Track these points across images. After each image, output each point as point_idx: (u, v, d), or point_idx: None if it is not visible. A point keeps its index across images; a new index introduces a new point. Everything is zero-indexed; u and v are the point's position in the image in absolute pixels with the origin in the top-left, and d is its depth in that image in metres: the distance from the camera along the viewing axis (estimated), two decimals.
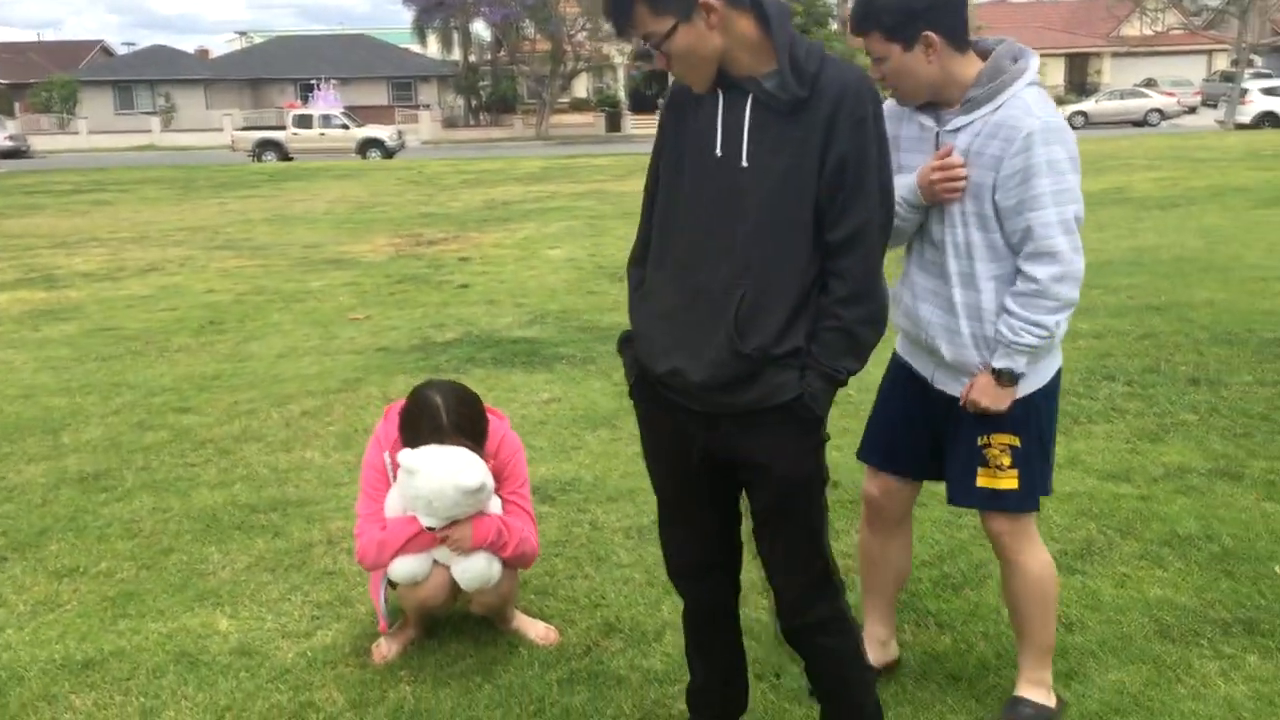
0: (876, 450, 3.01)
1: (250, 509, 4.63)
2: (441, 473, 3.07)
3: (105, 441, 5.67)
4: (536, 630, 3.44)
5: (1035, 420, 2.76)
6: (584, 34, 49.83)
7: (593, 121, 52.90)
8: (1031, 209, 2.56)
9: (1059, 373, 2.82)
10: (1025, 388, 2.73)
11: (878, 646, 3.12)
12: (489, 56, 57.71)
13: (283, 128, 39.34)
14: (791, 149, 2.23)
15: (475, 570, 3.20)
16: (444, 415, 3.16)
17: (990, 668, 3.16)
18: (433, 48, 59.68)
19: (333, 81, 46.53)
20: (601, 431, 5.48)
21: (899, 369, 2.94)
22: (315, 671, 3.30)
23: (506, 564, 3.30)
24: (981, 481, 2.77)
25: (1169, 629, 3.32)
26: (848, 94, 2.22)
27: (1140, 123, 42.30)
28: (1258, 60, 46.90)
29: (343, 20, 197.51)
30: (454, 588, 3.29)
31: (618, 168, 25.85)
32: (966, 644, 3.29)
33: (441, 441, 3.14)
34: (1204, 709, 2.91)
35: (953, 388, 2.77)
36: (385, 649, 3.36)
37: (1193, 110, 46.65)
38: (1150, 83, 48.75)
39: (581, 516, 4.39)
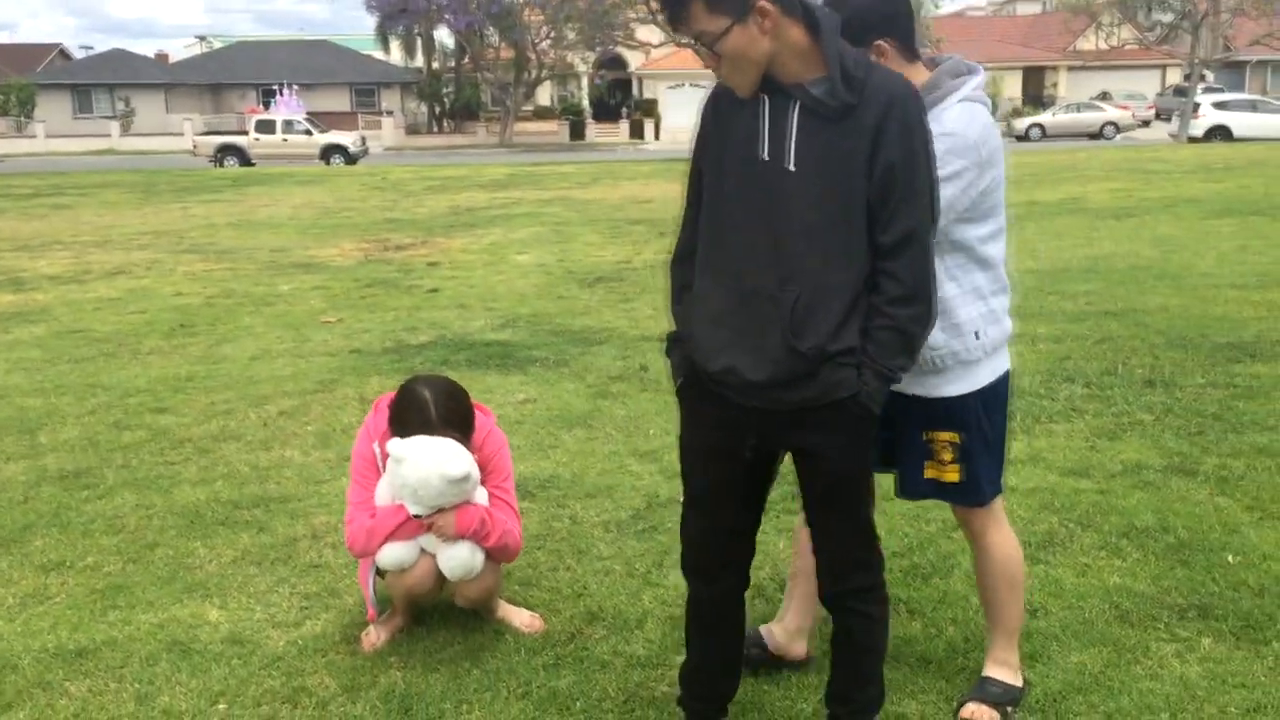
0: None
1: (233, 505, 4.69)
2: (428, 462, 3.17)
3: (83, 441, 5.71)
4: (521, 618, 3.55)
5: (975, 420, 2.84)
6: (548, 42, 49.95)
7: (556, 129, 53.00)
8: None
9: (1005, 378, 2.90)
10: (958, 389, 2.82)
11: (782, 634, 3.23)
12: (452, 63, 57.76)
13: (244, 133, 39.17)
14: (839, 154, 2.33)
15: (459, 559, 3.30)
16: (432, 409, 3.27)
17: (959, 651, 3.30)
18: (395, 54, 59.64)
19: (295, 87, 46.33)
20: (577, 431, 5.59)
21: None
22: (306, 658, 3.39)
23: (490, 556, 3.40)
24: (928, 473, 2.89)
25: (1127, 614, 3.48)
26: (895, 102, 2.32)
27: (1096, 135, 42.98)
28: (1210, 75, 47.79)
29: (303, 26, 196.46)
30: (440, 576, 3.39)
31: (582, 175, 25.97)
32: (936, 629, 3.44)
33: (430, 434, 3.25)
34: (1160, 687, 3.07)
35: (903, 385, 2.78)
36: (374, 637, 3.45)
37: (1147, 124, 47.44)
38: (1105, 96, 49.55)
39: (561, 511, 4.50)
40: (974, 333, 2.78)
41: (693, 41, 2.40)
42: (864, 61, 2.37)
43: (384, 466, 3.40)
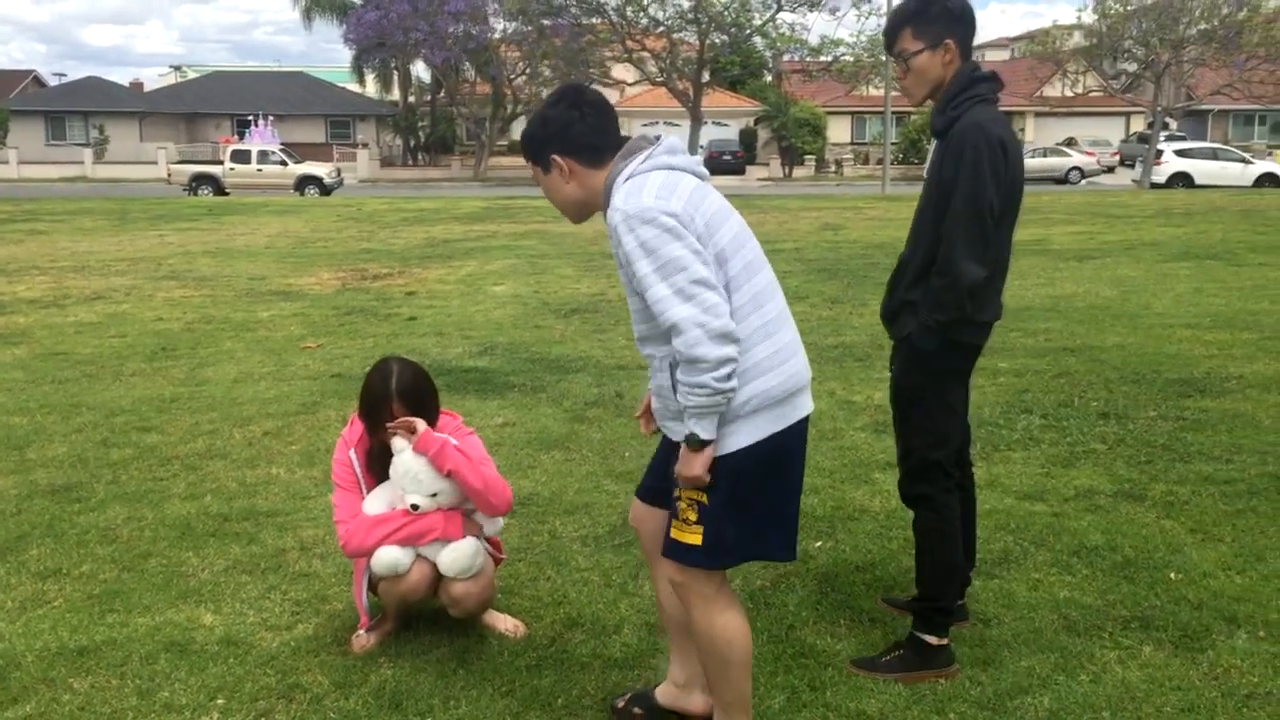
0: (644, 478, 3.20)
1: (222, 518, 4.86)
2: None
3: (71, 457, 5.85)
4: (505, 624, 3.73)
5: (724, 482, 2.72)
6: (523, 78, 50.42)
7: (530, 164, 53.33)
8: (644, 290, 2.64)
9: (766, 446, 2.73)
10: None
11: (672, 690, 3.18)
12: (428, 97, 58.16)
13: (219, 162, 39.29)
14: (935, 168, 3.30)
15: (463, 553, 3.49)
16: (394, 380, 3.48)
17: None
18: (371, 87, 59.98)
19: (270, 118, 46.50)
20: (555, 453, 5.79)
21: None
22: (299, 658, 3.56)
23: (481, 503, 3.51)
24: (673, 533, 2.81)
25: (1075, 624, 3.71)
26: (955, 135, 3.21)
27: (1061, 180, 43.78)
28: (1172, 123, 48.83)
29: (278, 58, 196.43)
30: (434, 582, 3.57)
31: (556, 210, 26.22)
32: (896, 635, 3.64)
33: (388, 404, 3.46)
34: (1102, 690, 3.30)
35: (676, 434, 2.83)
36: (364, 639, 3.62)
37: (1111, 169, 48.38)
38: (1071, 142, 50.48)
39: (541, 527, 4.69)
40: None
41: (892, 55, 3.38)
42: (966, 104, 3.24)
43: (361, 473, 3.60)
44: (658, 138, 2.83)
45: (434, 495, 3.47)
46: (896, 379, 3.46)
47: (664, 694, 3.20)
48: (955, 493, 3.45)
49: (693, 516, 2.76)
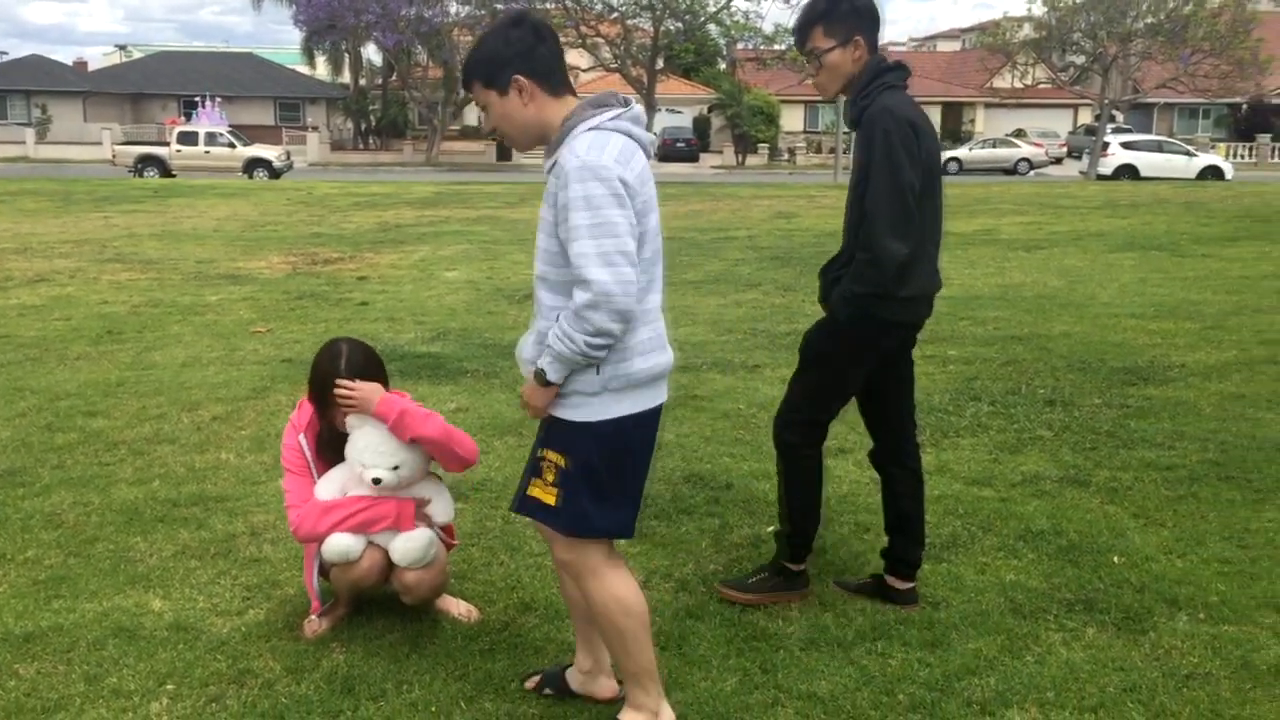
0: None
1: (171, 504, 4.80)
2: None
3: (15, 442, 5.75)
4: (459, 608, 3.73)
5: (583, 449, 2.81)
6: None
7: (483, 149, 53.05)
8: (571, 240, 2.68)
9: (629, 423, 2.83)
10: (571, 415, 2.81)
11: (579, 675, 3.20)
12: (380, 80, 57.59)
13: (165, 143, 38.64)
14: (857, 155, 3.47)
15: (416, 544, 3.47)
16: (344, 360, 3.47)
17: (866, 636, 3.56)
18: (322, 69, 59.28)
19: (217, 99, 45.78)
20: (508, 438, 5.78)
21: None
22: (251, 644, 3.54)
23: (444, 457, 3.50)
24: (531, 490, 2.90)
25: (1021, 607, 3.78)
26: (864, 121, 3.39)
27: (1010, 171, 44.25)
28: (1119, 116, 49.47)
29: (226, 39, 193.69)
30: (386, 568, 3.55)
31: (510, 195, 26.13)
32: (846, 618, 3.70)
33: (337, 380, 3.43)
34: (1047, 671, 3.36)
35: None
36: (316, 625, 3.60)
37: (1059, 161, 48.97)
38: (1020, 133, 51.03)
39: (494, 512, 4.69)
40: (594, 367, 2.77)
41: (804, 54, 3.57)
42: (875, 92, 3.40)
43: (311, 457, 3.58)
44: (627, 101, 2.87)
45: (396, 467, 3.44)
46: (809, 338, 3.69)
47: (573, 679, 3.23)
48: (819, 447, 3.74)
49: (551, 477, 2.86)
